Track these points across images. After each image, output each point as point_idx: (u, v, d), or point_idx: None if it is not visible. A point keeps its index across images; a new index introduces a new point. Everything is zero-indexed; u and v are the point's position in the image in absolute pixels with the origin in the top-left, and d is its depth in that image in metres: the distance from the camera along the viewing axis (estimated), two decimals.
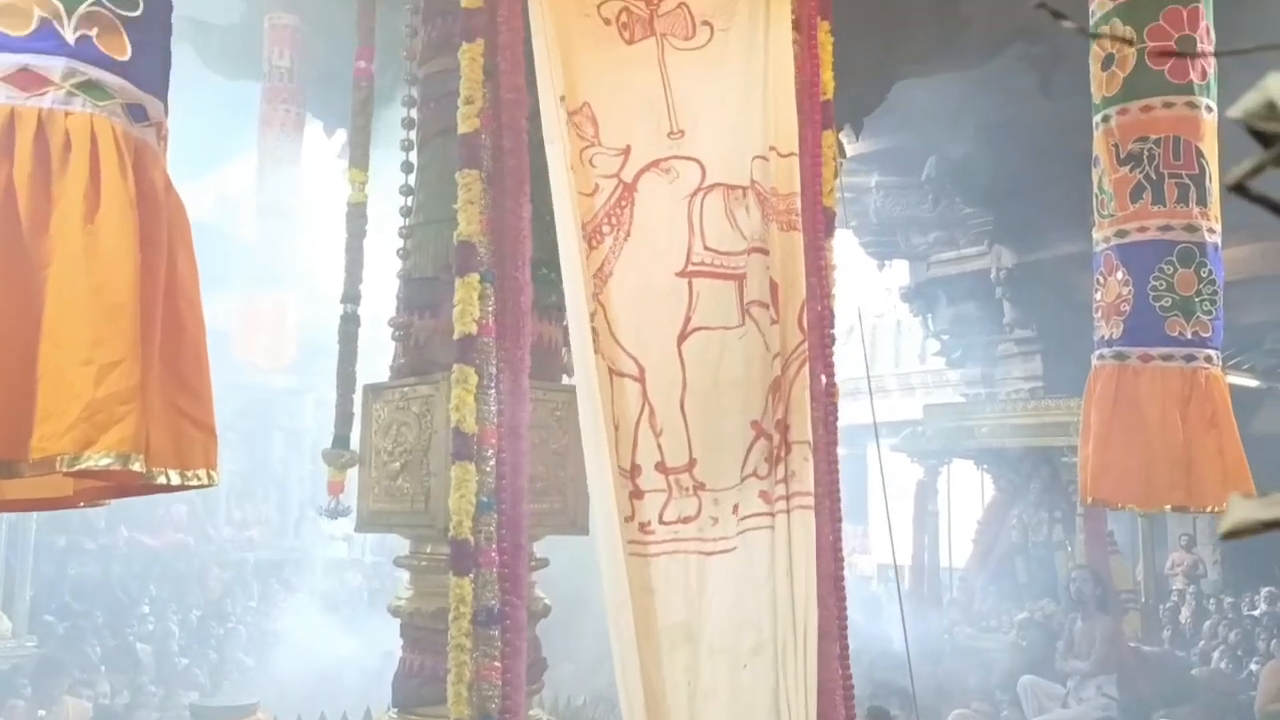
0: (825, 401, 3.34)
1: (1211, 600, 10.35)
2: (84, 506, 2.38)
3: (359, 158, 3.87)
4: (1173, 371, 3.73)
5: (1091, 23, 4.17)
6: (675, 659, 2.93)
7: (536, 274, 3.08)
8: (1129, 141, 3.88)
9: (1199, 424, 3.63)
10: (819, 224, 3.42)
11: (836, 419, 3.42)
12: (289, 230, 8.71)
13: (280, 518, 14.36)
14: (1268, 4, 6.31)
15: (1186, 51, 3.89)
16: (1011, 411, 10.53)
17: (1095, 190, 4.08)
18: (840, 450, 3.44)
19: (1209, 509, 3.66)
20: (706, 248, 3.19)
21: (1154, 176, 3.82)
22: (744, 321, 3.19)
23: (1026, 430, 10.12)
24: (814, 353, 3.29)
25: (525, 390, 2.96)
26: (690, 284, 3.16)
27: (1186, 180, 3.81)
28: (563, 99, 3.07)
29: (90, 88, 1.93)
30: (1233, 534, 0.65)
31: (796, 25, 3.46)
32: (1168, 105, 3.85)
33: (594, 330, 2.99)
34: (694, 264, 3.17)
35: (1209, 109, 3.88)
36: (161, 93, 2.09)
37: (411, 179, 3.64)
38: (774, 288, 3.21)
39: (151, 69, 2.05)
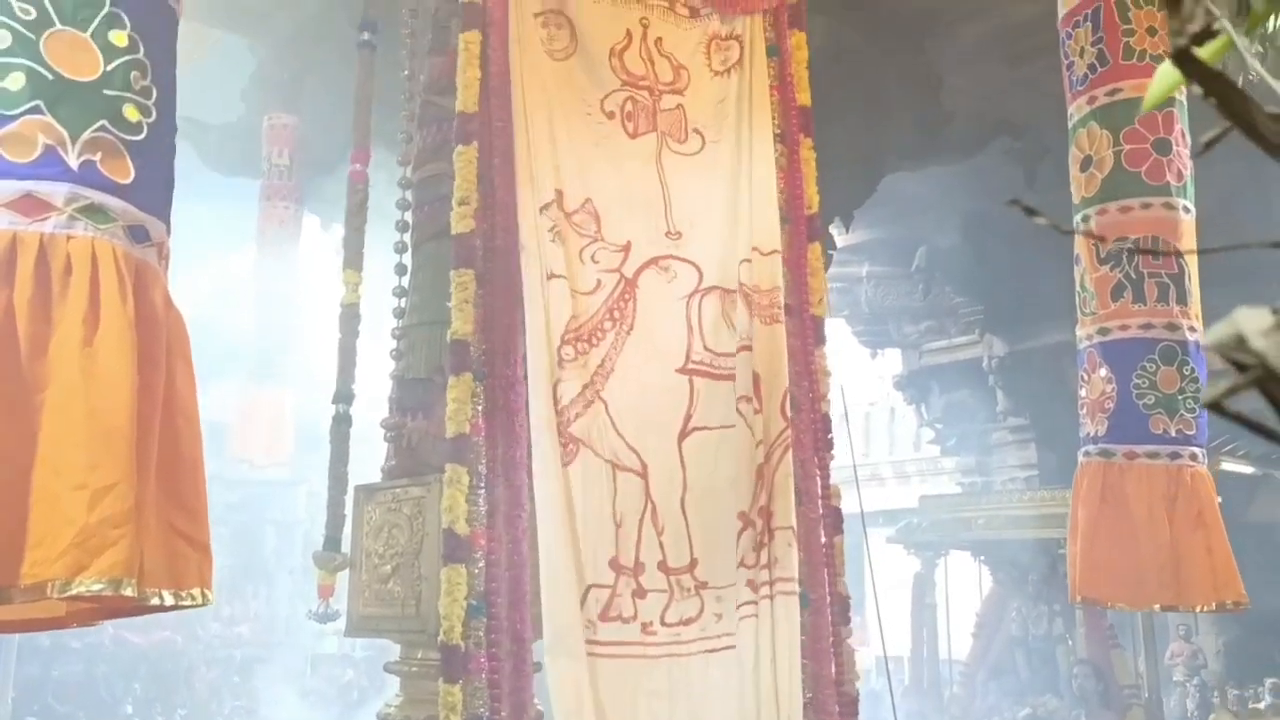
0: (824, 503, 3.36)
1: (1215, 693, 10.15)
2: (76, 627, 2.36)
3: (353, 258, 3.93)
4: (1158, 469, 3.74)
5: (1070, 125, 4.31)
6: None
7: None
8: (1108, 241, 3.97)
9: (1186, 523, 3.63)
10: (808, 332, 3.47)
11: (839, 529, 3.42)
12: (287, 322, 8.77)
13: (270, 612, 14.13)
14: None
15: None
16: (1008, 503, 10.46)
17: (1077, 288, 4.15)
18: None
19: (1198, 608, 3.64)
20: (706, 348, 3.24)
21: (1134, 276, 3.89)
22: (736, 420, 3.22)
23: (1023, 521, 10.03)
24: (808, 455, 3.32)
25: (521, 489, 2.95)
26: (691, 382, 3.20)
27: (1166, 279, 3.88)
28: (544, 208, 3.14)
29: (92, 211, 1.96)
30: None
31: (780, 138, 3.57)
32: (1145, 206, 3.95)
33: (594, 427, 3.02)
34: (694, 362, 3.22)
35: (1186, 210, 3.97)
36: (163, 213, 2.13)
37: (405, 280, 3.70)
38: (756, 379, 3.25)
39: (154, 190, 2.09)
